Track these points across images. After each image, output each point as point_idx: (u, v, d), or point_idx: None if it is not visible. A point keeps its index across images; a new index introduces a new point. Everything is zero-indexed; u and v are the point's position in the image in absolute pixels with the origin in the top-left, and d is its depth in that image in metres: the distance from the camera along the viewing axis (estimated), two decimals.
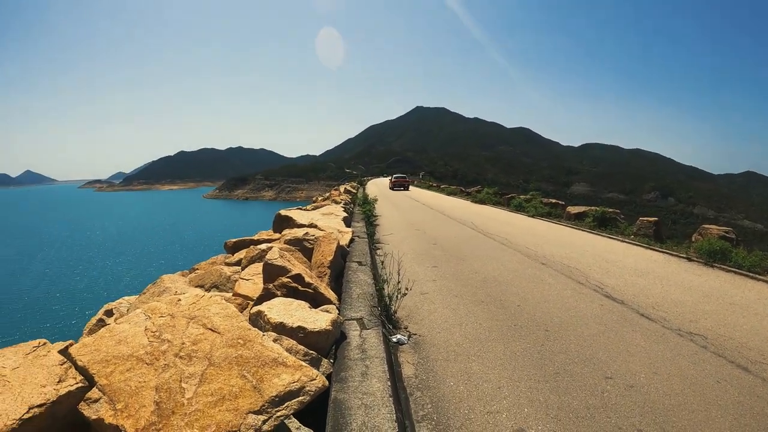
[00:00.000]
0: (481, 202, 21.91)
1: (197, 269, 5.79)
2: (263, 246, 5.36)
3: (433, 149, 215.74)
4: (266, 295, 3.53)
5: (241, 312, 3.76)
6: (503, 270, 6.79)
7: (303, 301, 3.20)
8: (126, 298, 4.32)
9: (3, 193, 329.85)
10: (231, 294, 4.06)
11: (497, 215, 15.71)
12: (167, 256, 41.66)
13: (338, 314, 3.33)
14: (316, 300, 3.77)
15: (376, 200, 17.19)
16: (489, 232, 11.07)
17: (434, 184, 50.04)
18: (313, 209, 11.26)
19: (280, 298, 3.18)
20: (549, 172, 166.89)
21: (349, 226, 8.91)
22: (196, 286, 4.91)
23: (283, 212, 8.00)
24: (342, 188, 25.54)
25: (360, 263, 5.70)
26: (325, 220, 8.08)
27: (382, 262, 6.99)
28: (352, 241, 7.14)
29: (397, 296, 4.20)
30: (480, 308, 4.88)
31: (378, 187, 44.96)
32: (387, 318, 3.97)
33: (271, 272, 3.76)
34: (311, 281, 3.83)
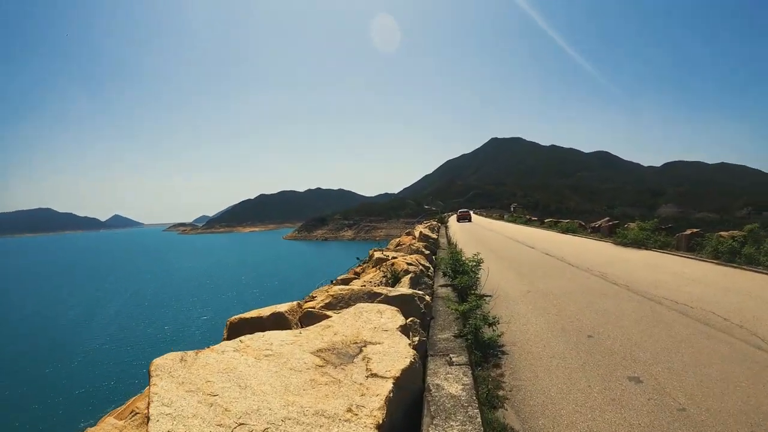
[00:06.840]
0: (637, 244, 13.94)
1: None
2: None
3: (512, 181, 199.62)
4: None
5: None
6: None
7: None
8: None
9: (94, 236, 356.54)
10: None
11: (710, 279, 8.41)
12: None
13: None
14: None
15: (480, 260, 8.23)
16: None
17: (533, 218, 39.33)
18: (338, 301, 4.40)
19: None
20: (633, 195, 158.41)
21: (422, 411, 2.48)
22: None
23: (234, 319, 3.63)
24: (417, 231, 16.82)
25: None
26: (342, 374, 2.44)
27: None
28: None
29: None
30: None
31: (463, 226, 34.64)
32: None
33: None
34: None
